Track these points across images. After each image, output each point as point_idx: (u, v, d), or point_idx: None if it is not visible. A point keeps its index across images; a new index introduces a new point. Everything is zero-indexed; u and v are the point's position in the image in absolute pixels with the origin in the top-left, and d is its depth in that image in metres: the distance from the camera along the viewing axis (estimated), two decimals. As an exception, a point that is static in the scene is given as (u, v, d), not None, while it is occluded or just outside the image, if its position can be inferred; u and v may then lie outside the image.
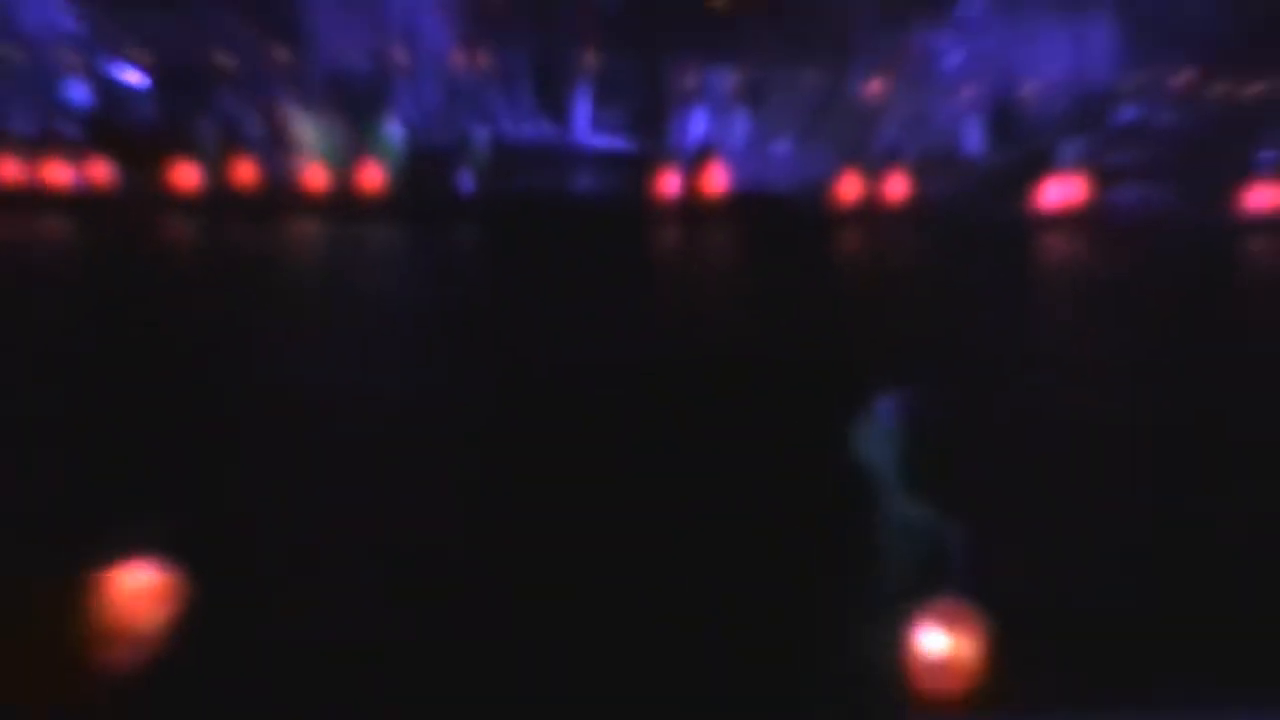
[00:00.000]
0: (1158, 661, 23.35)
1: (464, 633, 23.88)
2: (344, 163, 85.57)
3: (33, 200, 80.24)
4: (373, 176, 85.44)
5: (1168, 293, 66.55)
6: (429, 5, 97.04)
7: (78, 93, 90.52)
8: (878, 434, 23.85)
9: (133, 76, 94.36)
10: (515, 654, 23.55)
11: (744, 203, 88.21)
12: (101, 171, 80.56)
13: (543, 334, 51.67)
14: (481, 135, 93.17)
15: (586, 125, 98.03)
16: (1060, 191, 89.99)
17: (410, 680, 21.72)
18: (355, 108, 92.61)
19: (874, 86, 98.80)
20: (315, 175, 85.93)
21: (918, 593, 22.29)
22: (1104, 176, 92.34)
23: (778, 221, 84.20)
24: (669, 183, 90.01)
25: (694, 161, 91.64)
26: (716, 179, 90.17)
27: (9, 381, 40.67)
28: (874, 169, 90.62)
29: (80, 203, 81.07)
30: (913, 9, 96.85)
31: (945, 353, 49.71)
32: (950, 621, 21.78)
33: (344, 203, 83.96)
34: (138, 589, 21.78)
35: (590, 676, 22.74)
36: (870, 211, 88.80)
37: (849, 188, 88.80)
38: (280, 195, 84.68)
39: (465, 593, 26.09)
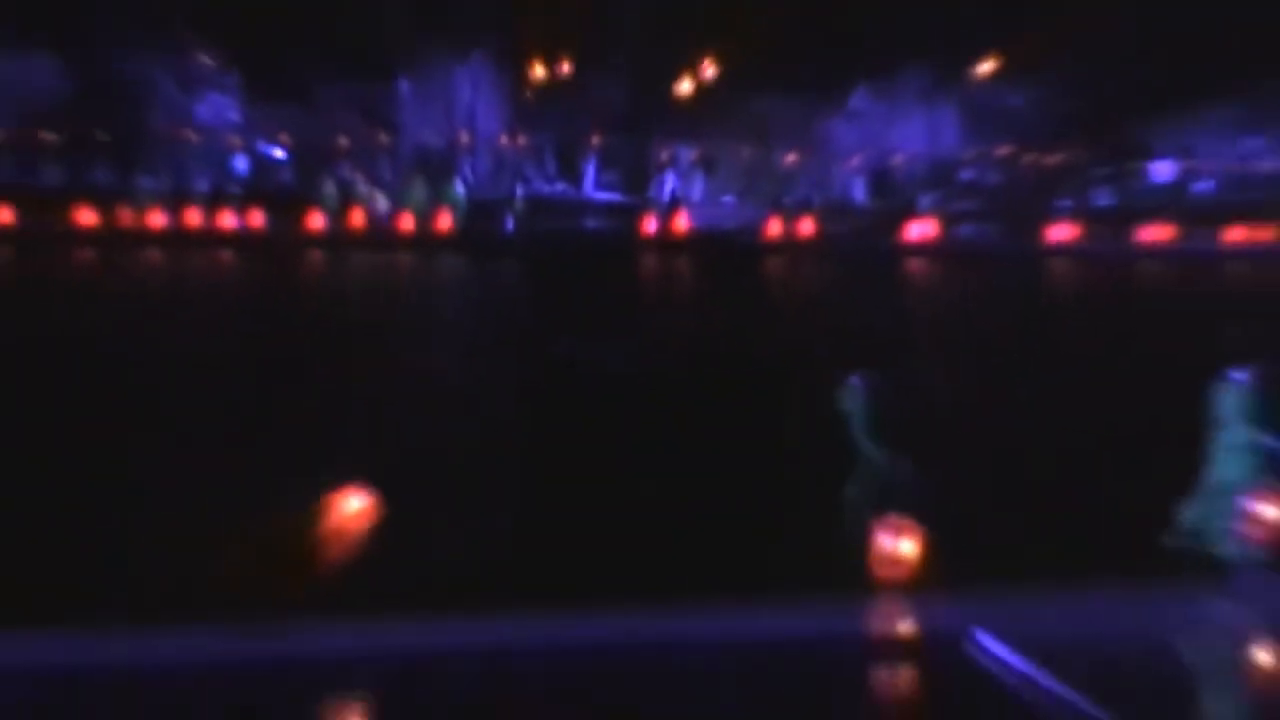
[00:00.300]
0: (1030, 554, 22.59)
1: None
2: (425, 212, 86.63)
3: (210, 239, 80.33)
4: (444, 221, 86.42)
5: (994, 299, 67.90)
6: (484, 103, 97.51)
7: (240, 163, 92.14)
8: (854, 402, 23.21)
9: (278, 152, 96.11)
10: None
11: (701, 238, 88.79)
12: (257, 219, 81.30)
13: (562, 328, 50.23)
14: (519, 192, 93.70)
15: (593, 185, 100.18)
16: (920, 229, 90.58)
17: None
18: (432, 173, 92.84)
19: (791, 157, 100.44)
20: (405, 221, 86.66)
21: (880, 506, 21.86)
22: (950, 219, 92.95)
23: (724, 251, 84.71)
24: (650, 224, 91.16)
25: (667, 209, 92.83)
26: (682, 221, 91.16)
27: (224, 367, 41.12)
28: (791, 214, 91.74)
29: (242, 240, 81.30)
30: (818, 105, 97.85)
31: (841, 341, 49.52)
32: (898, 528, 21.71)
33: (425, 239, 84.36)
34: (354, 508, 23.05)
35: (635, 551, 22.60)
36: (788, 244, 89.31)
37: (774, 227, 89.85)
38: (381, 234, 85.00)
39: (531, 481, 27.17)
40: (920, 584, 21.21)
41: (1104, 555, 22.14)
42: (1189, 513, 21.88)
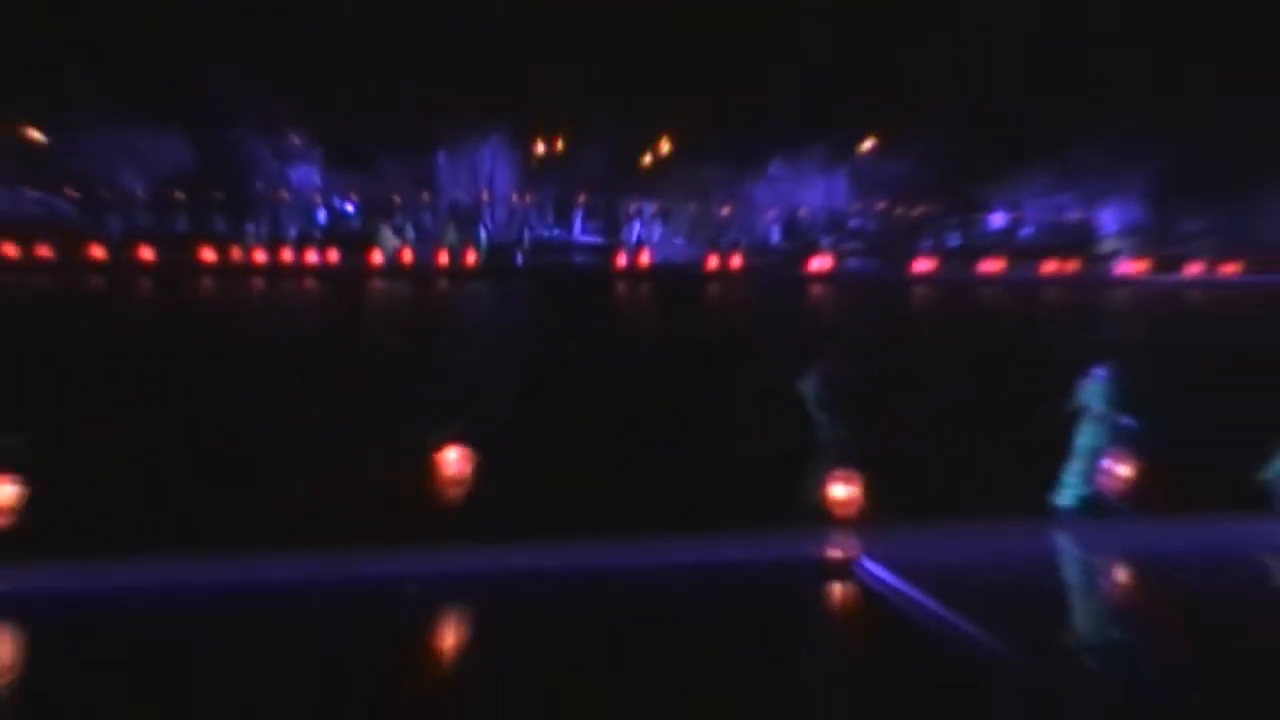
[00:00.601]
0: (950, 499, 22.18)
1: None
2: (457, 251, 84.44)
3: (298, 272, 78.95)
4: (471, 258, 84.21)
5: (875, 315, 66.67)
6: (500, 170, 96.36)
7: (320, 215, 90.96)
8: (813, 385, 22.56)
9: (348, 206, 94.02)
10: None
11: (659, 270, 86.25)
12: (333, 256, 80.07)
13: (558, 337, 51.65)
14: (526, 236, 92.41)
15: (580, 230, 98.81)
16: (819, 263, 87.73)
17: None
18: (462, 222, 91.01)
19: (725, 209, 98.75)
20: (442, 257, 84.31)
21: (831, 463, 21.45)
22: (841, 255, 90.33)
23: (676, 280, 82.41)
24: (622, 259, 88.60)
25: (634, 248, 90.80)
26: (645, 258, 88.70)
27: (330, 361, 41.14)
28: (725, 252, 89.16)
29: (322, 272, 79.51)
30: (745, 171, 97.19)
31: (765, 339, 51.55)
32: (845, 478, 21.29)
33: (457, 271, 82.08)
34: (457, 457, 22.99)
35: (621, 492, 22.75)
36: (723, 274, 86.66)
37: (712, 261, 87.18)
38: (425, 267, 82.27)
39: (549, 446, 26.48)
40: (854, 518, 20.89)
41: (983, 503, 21.80)
42: (1065, 470, 21.79)
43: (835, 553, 19.61)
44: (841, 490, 21.49)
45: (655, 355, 46.92)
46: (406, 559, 19.45)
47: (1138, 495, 21.99)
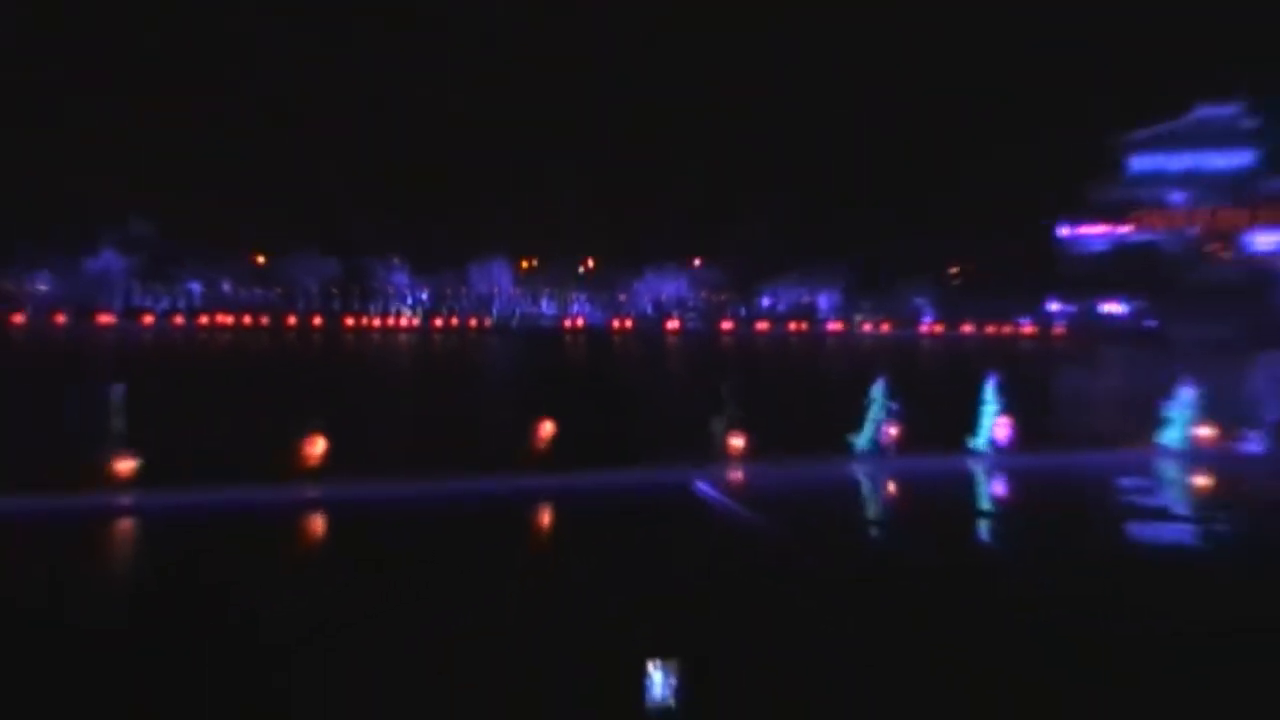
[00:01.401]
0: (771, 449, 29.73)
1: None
2: (480, 319, 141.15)
3: (399, 330, 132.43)
4: (488, 322, 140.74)
5: (704, 349, 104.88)
6: (502, 278, 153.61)
7: (409, 299, 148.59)
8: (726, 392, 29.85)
9: (423, 294, 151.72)
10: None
11: (587, 329, 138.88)
12: (416, 321, 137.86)
13: (534, 359, 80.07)
14: (517, 311, 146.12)
15: (546, 307, 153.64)
16: (672, 324, 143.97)
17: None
18: (484, 303, 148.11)
19: (623, 296, 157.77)
20: (473, 322, 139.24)
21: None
22: (684, 320, 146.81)
23: (595, 334, 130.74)
24: (567, 323, 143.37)
25: (573, 317, 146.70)
26: (579, 321, 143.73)
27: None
28: (621, 318, 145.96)
29: (415, 330, 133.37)
30: (636, 275, 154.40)
31: (641, 362, 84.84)
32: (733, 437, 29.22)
33: (483, 329, 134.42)
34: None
35: None
36: (621, 331, 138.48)
37: (615, 324, 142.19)
38: (464, 327, 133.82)
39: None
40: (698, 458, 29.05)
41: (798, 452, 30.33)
42: (863, 431, 31.35)
43: (679, 479, 26.91)
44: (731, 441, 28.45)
45: (584, 366, 74.41)
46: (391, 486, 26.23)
47: (896, 443, 30.65)
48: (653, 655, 14.98)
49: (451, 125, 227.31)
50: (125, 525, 23.85)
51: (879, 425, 31.64)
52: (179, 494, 25.03)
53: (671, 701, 14.49)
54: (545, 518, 25.35)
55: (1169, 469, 33.07)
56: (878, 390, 31.76)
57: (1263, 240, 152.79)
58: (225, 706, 14.46)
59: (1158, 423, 34.68)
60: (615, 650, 16.01)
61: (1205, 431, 34.99)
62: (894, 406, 31.65)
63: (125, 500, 24.57)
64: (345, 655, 15.96)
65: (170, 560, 21.26)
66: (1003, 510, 28.59)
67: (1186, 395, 34.99)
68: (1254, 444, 35.07)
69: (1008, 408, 32.55)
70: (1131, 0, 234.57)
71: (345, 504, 25.08)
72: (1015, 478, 31.29)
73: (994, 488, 30.57)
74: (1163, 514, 27.65)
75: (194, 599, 18.62)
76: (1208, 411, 34.85)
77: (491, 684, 15.00)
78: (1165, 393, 35.24)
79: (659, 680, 14.73)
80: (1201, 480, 31.89)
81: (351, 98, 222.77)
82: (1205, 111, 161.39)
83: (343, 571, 20.70)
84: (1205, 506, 28.98)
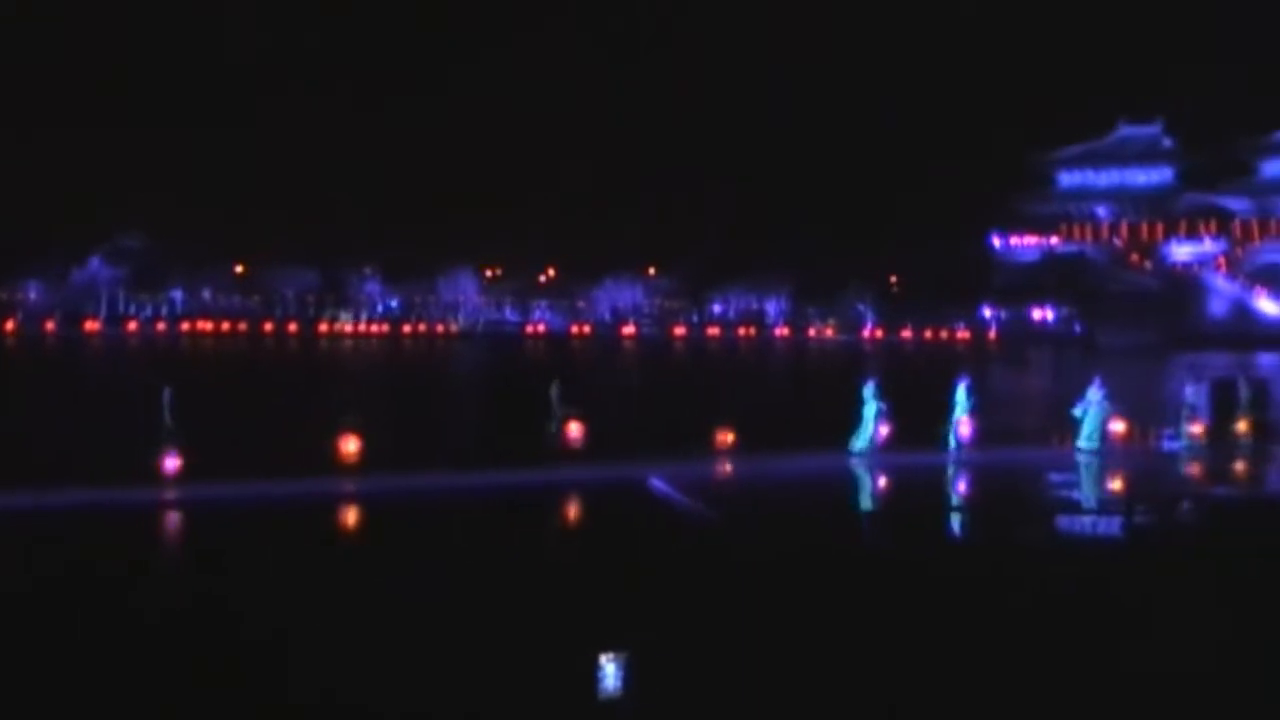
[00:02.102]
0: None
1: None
2: (447, 324, 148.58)
3: (371, 336, 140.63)
4: (454, 328, 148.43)
5: (661, 349, 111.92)
6: (470, 288, 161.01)
7: (380, 307, 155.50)
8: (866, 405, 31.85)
9: (393, 303, 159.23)
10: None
11: (547, 333, 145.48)
12: (389, 327, 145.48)
13: (496, 359, 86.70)
14: (482, 318, 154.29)
15: (510, 314, 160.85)
16: (629, 330, 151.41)
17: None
18: (452, 310, 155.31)
19: (581, 303, 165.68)
20: (439, 328, 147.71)
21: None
22: (639, 325, 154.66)
23: (555, 338, 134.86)
24: (529, 329, 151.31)
25: (535, 323, 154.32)
26: (541, 328, 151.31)
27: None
28: (580, 324, 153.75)
29: (391, 336, 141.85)
30: (591, 286, 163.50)
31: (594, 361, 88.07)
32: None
33: (450, 334, 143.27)
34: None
35: None
36: (580, 336, 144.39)
37: (574, 329, 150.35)
38: (432, 332, 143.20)
39: None
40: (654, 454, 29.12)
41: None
42: (859, 430, 31.93)
43: (634, 474, 26.93)
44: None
45: (542, 365, 71.96)
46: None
47: (886, 440, 31.37)
48: (606, 648, 15.12)
49: (421, 142, 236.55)
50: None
51: (876, 424, 32.43)
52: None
53: (623, 693, 14.55)
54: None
55: (1087, 466, 33.36)
56: (871, 392, 32.71)
57: (1181, 251, 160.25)
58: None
59: (1079, 422, 35.00)
60: (570, 643, 16.02)
61: (1124, 430, 35.86)
62: (882, 407, 32.53)
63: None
64: (313, 650, 15.91)
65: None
66: (925, 504, 28.86)
67: (1107, 396, 35.31)
68: (1171, 442, 36.25)
69: (951, 408, 33.33)
70: (1060, 26, 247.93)
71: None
72: (941, 475, 31.90)
73: (902, 483, 31.18)
74: (1076, 507, 28.55)
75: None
76: (1128, 412, 36.08)
77: (442, 678, 14.90)
78: (1087, 394, 35.46)
79: (611, 672, 14.85)
80: (1116, 476, 32.21)
81: (326, 117, 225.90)
82: (1128, 131, 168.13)
83: (308, 567, 20.80)
84: (1115, 501, 29.22)
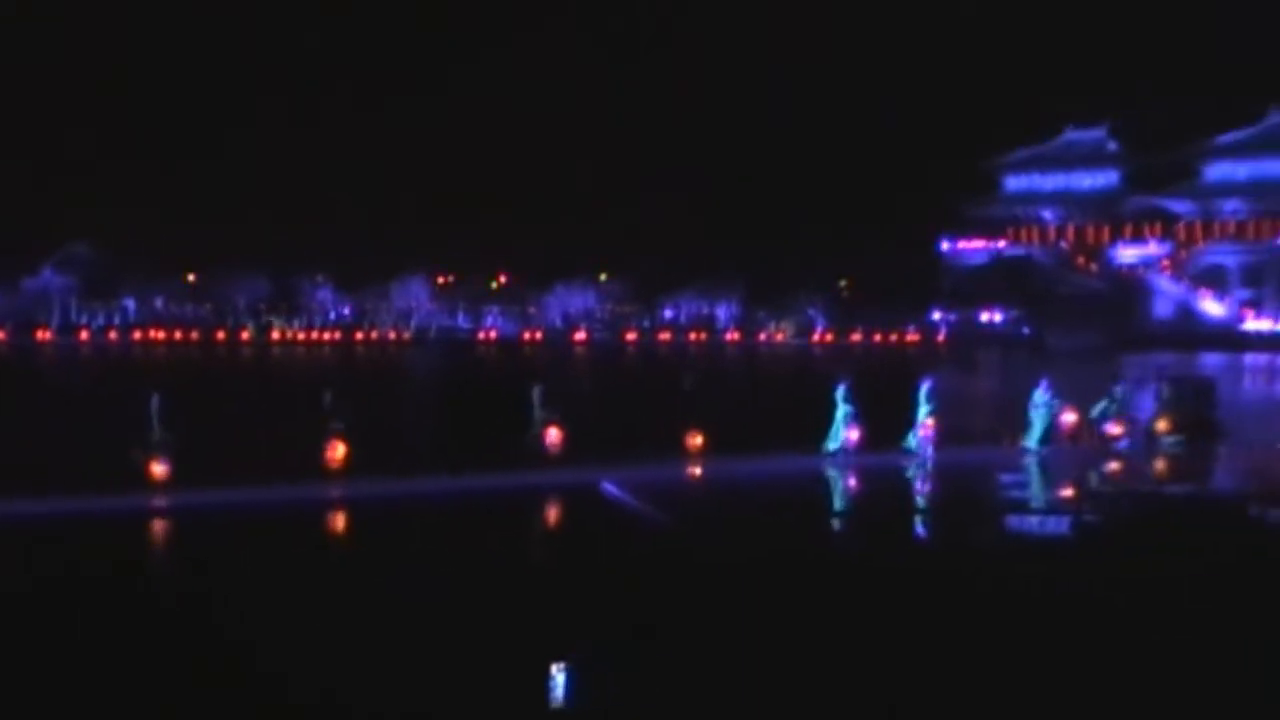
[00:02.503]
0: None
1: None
2: (401, 330, 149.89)
3: (326, 342, 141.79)
4: (407, 335, 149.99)
5: (613, 354, 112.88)
6: (423, 294, 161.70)
7: (332, 314, 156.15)
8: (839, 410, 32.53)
9: (345, 310, 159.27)
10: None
11: (499, 339, 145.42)
12: (340, 335, 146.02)
13: (451, 364, 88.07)
14: (435, 324, 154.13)
15: (462, 320, 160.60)
16: (580, 336, 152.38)
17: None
18: (406, 317, 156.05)
19: (532, 309, 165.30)
20: (392, 334, 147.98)
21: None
22: (589, 331, 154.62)
23: (508, 343, 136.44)
24: (481, 335, 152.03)
25: (488, 329, 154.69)
26: (493, 334, 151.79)
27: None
28: (532, 330, 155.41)
29: (362, 343, 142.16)
30: (542, 292, 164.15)
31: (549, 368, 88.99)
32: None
33: (403, 340, 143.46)
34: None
35: None
36: (532, 341, 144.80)
37: (525, 335, 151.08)
38: (384, 339, 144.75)
39: None
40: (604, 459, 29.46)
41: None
42: (830, 434, 32.46)
43: (587, 479, 27.60)
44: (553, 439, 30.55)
45: (495, 369, 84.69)
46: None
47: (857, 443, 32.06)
48: (558, 654, 15.08)
49: (374, 151, 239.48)
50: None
51: (845, 428, 32.85)
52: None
53: (575, 701, 14.46)
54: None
55: (1036, 464, 34.19)
56: (843, 395, 32.98)
57: (1126, 254, 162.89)
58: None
59: (1028, 422, 35.86)
60: (520, 649, 16.04)
61: (1073, 429, 36.75)
62: (851, 410, 32.85)
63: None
64: (279, 651, 16.05)
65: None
66: (872, 504, 29.80)
67: (1056, 396, 36.13)
68: (1121, 441, 36.33)
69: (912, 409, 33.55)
70: (1008, 31, 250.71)
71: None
72: (888, 475, 32.21)
73: (869, 484, 31.43)
74: (1026, 507, 28.89)
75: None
76: (1077, 410, 36.61)
77: (395, 684, 14.89)
78: (1035, 394, 36.27)
79: (562, 681, 14.73)
80: (1062, 475, 32.80)
81: (279, 127, 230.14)
82: (1074, 135, 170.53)
83: (257, 572, 20.90)
84: (1061, 497, 30.25)
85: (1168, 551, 21.81)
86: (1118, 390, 38.55)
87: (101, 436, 32.78)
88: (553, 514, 26.76)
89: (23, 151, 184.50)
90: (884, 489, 31.03)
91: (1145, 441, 37.14)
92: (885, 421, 33.78)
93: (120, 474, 26.23)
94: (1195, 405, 39.19)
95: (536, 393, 32.08)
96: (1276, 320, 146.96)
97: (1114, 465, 34.34)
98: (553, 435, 31.03)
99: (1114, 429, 37.25)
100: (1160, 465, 34.57)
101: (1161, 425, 37.91)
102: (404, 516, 25.37)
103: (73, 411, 48.10)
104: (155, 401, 28.65)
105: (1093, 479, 32.07)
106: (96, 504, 24.86)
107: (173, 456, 26.64)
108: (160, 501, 25.79)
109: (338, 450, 28.42)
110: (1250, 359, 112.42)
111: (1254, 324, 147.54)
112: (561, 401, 31.25)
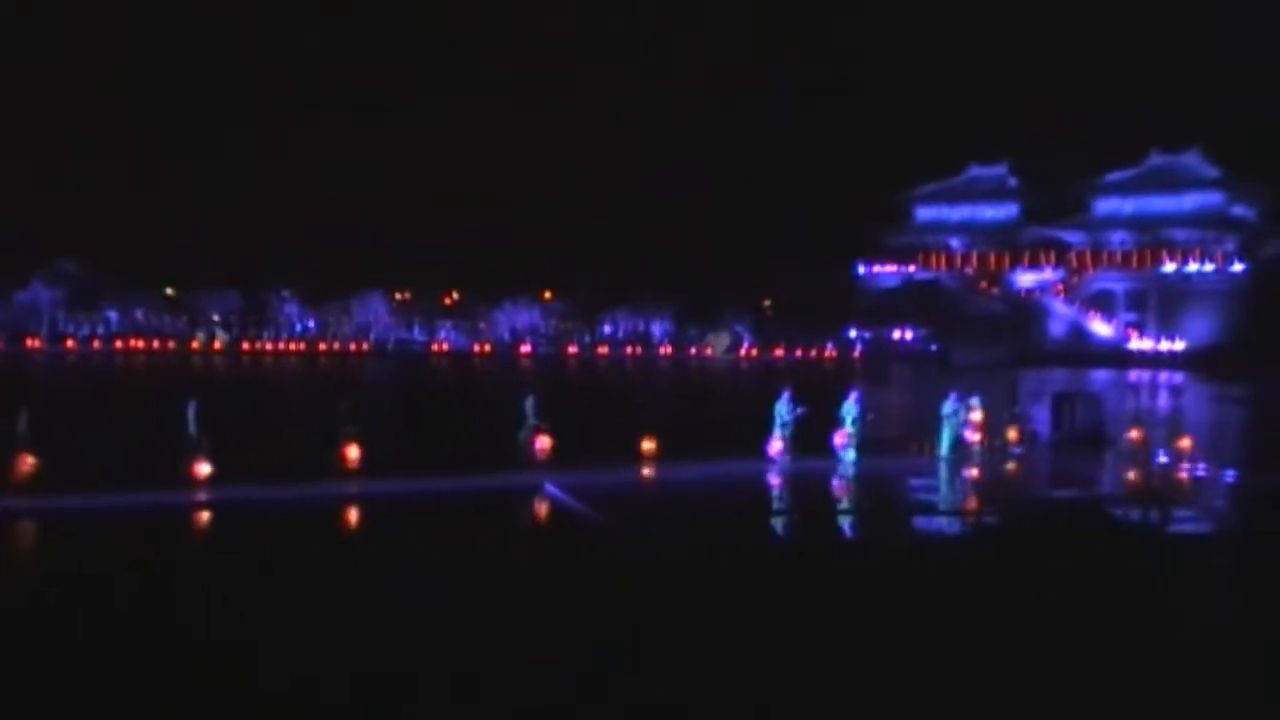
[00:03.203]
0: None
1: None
2: (357, 342, 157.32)
3: (293, 353, 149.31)
4: (365, 346, 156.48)
5: (557, 366, 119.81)
6: (382, 311, 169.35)
7: (298, 327, 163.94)
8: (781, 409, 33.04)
9: (310, 323, 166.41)
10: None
11: (451, 351, 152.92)
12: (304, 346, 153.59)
13: (408, 375, 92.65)
14: (393, 337, 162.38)
15: (417, 334, 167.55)
16: (526, 349, 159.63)
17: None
18: (365, 330, 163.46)
19: (482, 324, 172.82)
20: (352, 346, 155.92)
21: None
22: (535, 345, 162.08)
23: (459, 356, 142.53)
24: (435, 347, 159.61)
25: (440, 342, 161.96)
26: (445, 346, 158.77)
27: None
28: (481, 344, 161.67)
29: (321, 351, 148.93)
30: (491, 308, 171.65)
31: (498, 379, 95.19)
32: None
33: (362, 352, 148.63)
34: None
35: None
36: (481, 354, 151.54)
37: (475, 348, 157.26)
38: (345, 350, 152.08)
39: None
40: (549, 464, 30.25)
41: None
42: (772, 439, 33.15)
43: (532, 480, 28.56)
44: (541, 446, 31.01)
45: (449, 378, 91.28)
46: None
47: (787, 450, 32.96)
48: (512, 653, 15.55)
49: (337, 176, 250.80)
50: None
51: (787, 430, 34.03)
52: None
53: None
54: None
55: (939, 472, 34.86)
56: (784, 401, 34.01)
57: (1024, 279, 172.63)
58: None
59: (934, 431, 36.85)
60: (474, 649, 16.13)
61: (975, 437, 37.69)
62: (800, 411, 33.99)
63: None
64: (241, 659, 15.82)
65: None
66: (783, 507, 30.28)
67: (959, 409, 37.05)
68: (1016, 449, 38.07)
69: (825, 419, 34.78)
70: (914, 75, 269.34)
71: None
72: (807, 480, 32.70)
73: (789, 488, 31.94)
74: (931, 508, 30.25)
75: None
76: (982, 420, 37.92)
77: (339, 686, 14.69)
78: (941, 406, 37.15)
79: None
80: (965, 479, 33.95)
81: (247, 155, 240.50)
82: (978, 171, 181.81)
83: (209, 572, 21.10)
84: (963, 502, 31.45)
85: (1047, 549, 23.59)
86: (972, 401, 39.31)
87: (142, 438, 34.63)
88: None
89: (14, 172, 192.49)
90: (807, 492, 31.59)
91: (1039, 450, 38.87)
92: (814, 429, 34.49)
93: (160, 473, 27.35)
94: (1083, 418, 41.48)
95: (529, 403, 33.03)
96: (1157, 340, 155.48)
97: (1010, 471, 36.07)
98: (542, 441, 32.31)
99: (1012, 437, 38.96)
100: (1051, 471, 36.47)
101: (1011, 435, 39.34)
102: (414, 512, 26.27)
103: (100, 416, 49.74)
104: (193, 407, 29.59)
105: (991, 485, 33.64)
106: (151, 499, 25.86)
107: (212, 457, 27.61)
108: (207, 496, 26.80)
109: (352, 452, 29.95)
110: (1134, 375, 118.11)
111: (1137, 344, 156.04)
112: (550, 411, 32.72)
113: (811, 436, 34.36)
